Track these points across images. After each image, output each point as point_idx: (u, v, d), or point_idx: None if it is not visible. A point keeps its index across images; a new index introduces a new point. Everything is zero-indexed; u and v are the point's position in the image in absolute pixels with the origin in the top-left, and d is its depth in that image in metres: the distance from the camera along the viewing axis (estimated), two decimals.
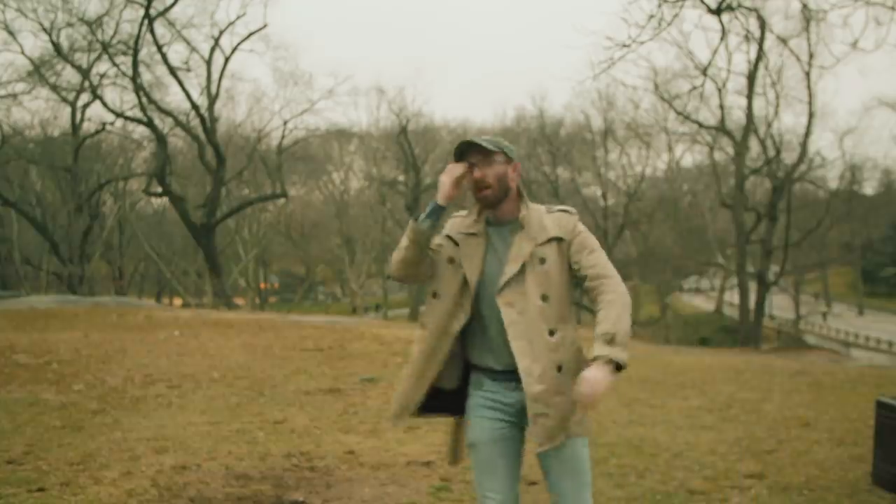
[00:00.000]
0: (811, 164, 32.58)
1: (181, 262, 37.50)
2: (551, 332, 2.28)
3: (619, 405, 7.09)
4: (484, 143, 2.29)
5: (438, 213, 2.32)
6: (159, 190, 26.82)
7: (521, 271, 2.27)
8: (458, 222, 2.41)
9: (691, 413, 6.73)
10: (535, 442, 2.31)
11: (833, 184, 36.20)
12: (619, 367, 2.14)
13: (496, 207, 2.35)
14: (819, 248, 38.84)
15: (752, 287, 30.32)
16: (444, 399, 2.45)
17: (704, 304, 55.79)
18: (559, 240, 2.32)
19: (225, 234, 34.69)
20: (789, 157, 31.25)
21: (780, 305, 45.05)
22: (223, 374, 7.98)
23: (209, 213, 25.85)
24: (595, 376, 2.11)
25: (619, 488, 4.30)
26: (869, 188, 43.88)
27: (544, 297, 2.29)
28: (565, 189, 38.18)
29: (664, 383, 8.64)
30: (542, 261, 2.29)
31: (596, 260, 2.34)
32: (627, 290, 2.33)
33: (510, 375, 2.30)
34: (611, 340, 2.16)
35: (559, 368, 2.26)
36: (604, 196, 38.59)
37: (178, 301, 37.94)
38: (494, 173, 2.31)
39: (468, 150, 2.33)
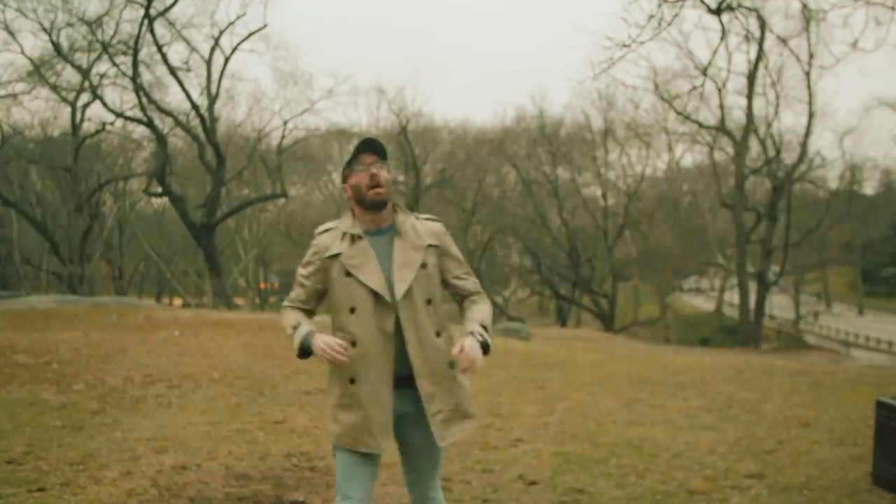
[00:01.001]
0: (811, 164, 32.60)
1: (181, 262, 37.49)
2: (438, 334, 2.41)
3: (619, 405, 7.09)
4: (383, 143, 2.48)
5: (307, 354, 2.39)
6: (159, 190, 26.79)
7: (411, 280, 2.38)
8: (334, 235, 2.47)
9: (691, 413, 6.73)
10: (437, 437, 2.41)
11: (833, 184, 36.24)
12: (486, 349, 2.35)
13: (380, 211, 2.43)
14: (819, 248, 38.83)
15: (753, 287, 30.32)
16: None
17: (704, 304, 55.79)
18: (435, 246, 2.47)
19: (225, 234, 34.68)
20: (789, 157, 31.28)
21: (780, 305, 45.05)
22: (223, 374, 7.98)
23: (209, 213, 25.83)
24: (472, 345, 2.30)
25: (619, 488, 4.30)
26: (869, 188, 43.92)
27: (429, 301, 2.41)
28: (565, 189, 38.15)
29: (664, 383, 8.64)
30: (424, 266, 2.41)
31: (467, 274, 2.54)
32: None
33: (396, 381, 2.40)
34: (484, 327, 2.38)
35: (451, 365, 2.41)
36: (604, 196, 38.57)
37: (178, 301, 37.94)
38: (386, 178, 2.42)
39: (367, 150, 2.44)
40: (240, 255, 37.49)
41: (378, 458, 2.44)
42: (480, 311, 2.46)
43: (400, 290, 2.35)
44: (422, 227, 2.48)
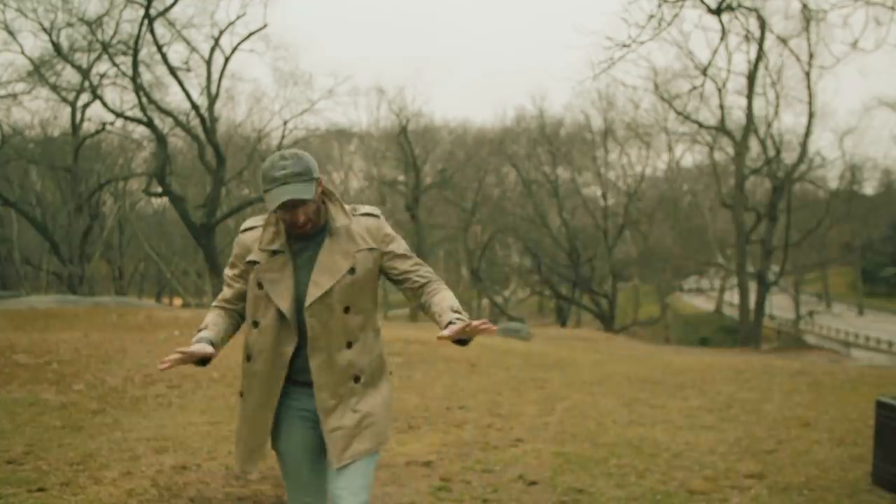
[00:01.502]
0: (811, 164, 32.62)
1: (181, 262, 37.50)
2: (349, 344, 2.25)
3: (619, 405, 7.09)
4: (306, 196, 2.15)
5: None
6: (159, 190, 26.80)
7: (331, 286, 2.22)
8: (256, 236, 2.29)
9: (691, 413, 6.73)
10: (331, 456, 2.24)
11: (833, 184, 36.26)
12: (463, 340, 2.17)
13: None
14: (819, 248, 38.85)
15: (753, 287, 30.33)
16: None
17: (704, 304, 55.80)
18: (371, 249, 2.29)
19: (225, 234, 34.69)
20: (789, 157, 31.30)
21: (779, 305, 45.05)
22: (223, 374, 7.98)
23: (209, 213, 25.83)
24: (457, 325, 2.10)
25: (619, 488, 4.30)
26: (869, 188, 43.93)
27: (347, 309, 2.25)
28: (565, 189, 38.16)
29: (664, 383, 8.64)
30: (353, 271, 2.24)
31: (416, 265, 2.35)
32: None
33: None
34: (456, 310, 2.19)
35: (356, 379, 2.26)
36: (604, 196, 38.58)
37: (178, 301, 37.94)
38: (313, 209, 2.22)
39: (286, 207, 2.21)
40: None
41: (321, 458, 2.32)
42: (444, 297, 2.25)
43: (312, 295, 2.20)
44: (357, 227, 2.29)
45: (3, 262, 30.58)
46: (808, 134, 28.88)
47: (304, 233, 2.22)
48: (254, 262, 2.26)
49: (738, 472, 4.64)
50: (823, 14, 14.91)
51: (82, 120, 28.71)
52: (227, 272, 2.38)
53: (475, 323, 2.04)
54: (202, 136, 25.80)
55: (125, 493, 3.95)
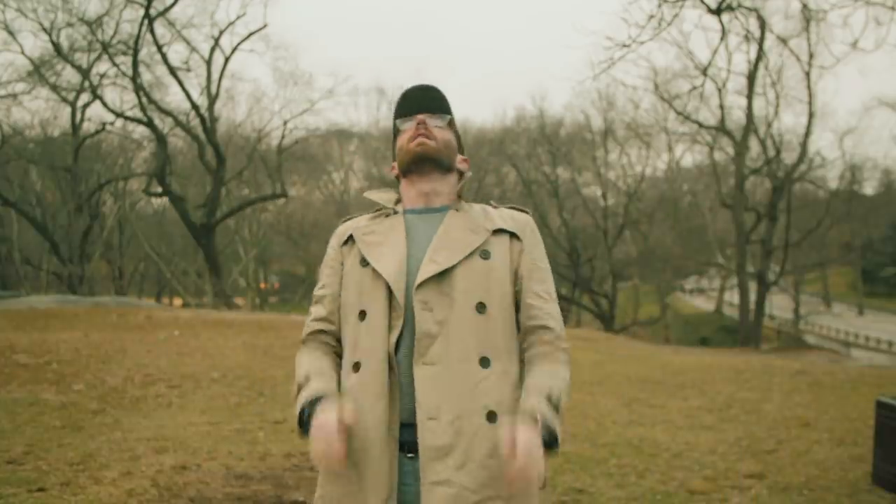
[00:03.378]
0: (811, 164, 32.59)
1: (181, 262, 37.48)
2: (484, 361, 1.50)
3: (619, 405, 7.09)
4: (432, 93, 1.71)
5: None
6: (159, 190, 26.80)
7: (452, 265, 1.54)
8: (358, 219, 1.73)
9: (691, 413, 6.73)
10: None
11: (833, 184, 36.24)
12: (550, 442, 1.40)
13: (428, 174, 1.65)
14: (819, 248, 38.83)
15: (753, 287, 30.33)
16: None
17: (704, 304, 55.80)
18: (512, 235, 1.63)
19: (225, 234, 34.69)
20: (789, 157, 31.28)
21: (779, 305, 45.05)
22: (223, 374, 7.98)
23: (209, 213, 25.84)
24: (528, 443, 1.34)
25: (619, 488, 4.30)
26: (869, 188, 43.91)
27: (481, 307, 1.52)
28: (565, 189, 38.16)
29: (664, 383, 8.64)
30: (486, 254, 1.57)
31: (546, 295, 1.62)
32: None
33: (406, 431, 1.49)
34: (553, 403, 1.47)
35: (489, 417, 1.47)
36: (604, 196, 38.57)
37: (178, 301, 37.94)
38: (445, 137, 1.68)
39: (413, 110, 1.70)
40: (240, 255, 37.50)
41: None
42: (550, 373, 1.51)
43: (424, 273, 1.52)
44: (496, 212, 1.69)
45: (3, 262, 30.57)
46: (808, 134, 28.88)
47: (421, 150, 1.64)
48: (352, 240, 1.66)
49: (738, 472, 4.64)
50: (823, 14, 14.90)
51: (82, 120, 28.73)
52: (320, 278, 1.70)
53: (508, 453, 1.34)
54: (202, 136, 25.82)
55: (125, 493, 3.94)
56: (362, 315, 1.56)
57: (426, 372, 1.47)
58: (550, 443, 1.41)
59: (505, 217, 1.67)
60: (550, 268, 1.70)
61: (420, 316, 1.50)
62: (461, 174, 1.75)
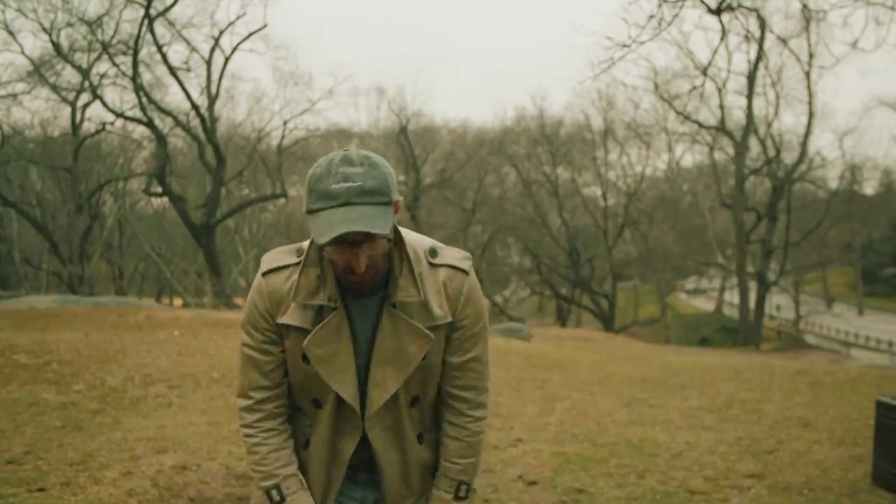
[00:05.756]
0: (811, 164, 32.61)
1: (181, 262, 37.47)
2: (420, 437, 1.69)
3: (619, 405, 7.09)
4: (376, 231, 1.38)
5: None
6: (159, 190, 26.83)
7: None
8: (289, 284, 1.54)
9: (691, 413, 6.73)
10: None
11: (833, 184, 36.27)
12: None
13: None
14: (819, 248, 38.84)
15: (753, 287, 30.33)
16: None
17: (704, 304, 55.79)
18: (448, 325, 1.59)
19: (225, 234, 34.70)
20: (789, 157, 31.32)
21: (779, 305, 45.06)
22: (223, 374, 7.98)
23: (209, 213, 25.85)
24: None
25: (619, 488, 4.30)
26: (869, 188, 43.95)
27: (414, 401, 1.63)
28: (565, 189, 38.17)
29: (664, 383, 8.64)
30: (424, 357, 1.57)
31: (475, 358, 1.63)
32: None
33: (367, 465, 1.70)
34: (464, 495, 1.69)
35: (432, 474, 1.74)
36: (604, 196, 38.59)
37: (178, 301, 37.93)
38: (381, 248, 1.45)
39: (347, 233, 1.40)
40: (240, 255, 37.50)
41: None
42: (461, 449, 1.67)
43: (377, 401, 1.57)
44: (432, 288, 1.55)
45: (3, 262, 30.57)
46: (808, 134, 28.91)
47: (360, 285, 1.50)
48: (290, 327, 1.55)
49: (738, 472, 4.64)
50: (823, 14, 14.92)
51: (82, 120, 28.75)
52: (249, 342, 1.61)
53: None
54: (202, 136, 25.83)
55: (125, 493, 3.94)
56: (316, 403, 1.62)
57: (385, 458, 1.66)
58: None
59: (440, 291, 1.55)
60: (485, 319, 1.64)
61: (374, 435, 1.62)
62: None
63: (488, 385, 1.69)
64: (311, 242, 1.52)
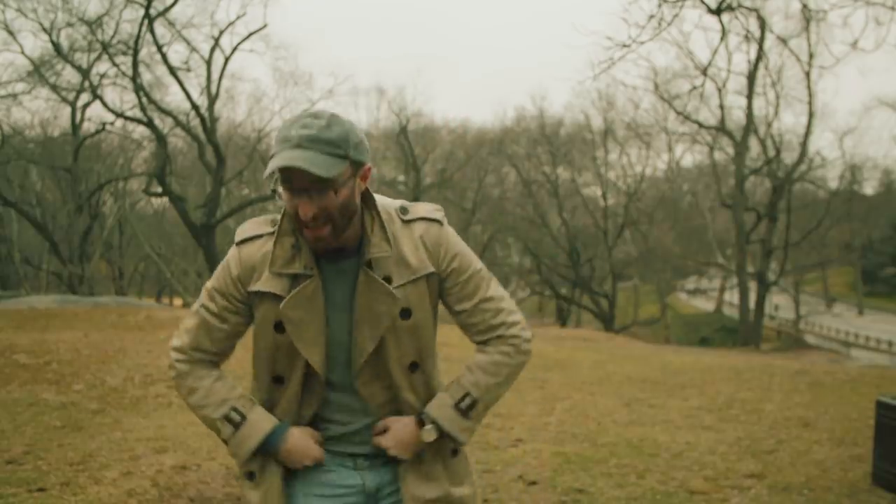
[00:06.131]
0: (811, 164, 32.60)
1: (181, 262, 37.49)
2: (423, 402, 1.66)
3: (619, 405, 7.09)
4: (317, 170, 1.38)
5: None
6: (159, 190, 26.81)
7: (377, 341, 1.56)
8: (263, 251, 1.56)
9: (691, 413, 6.73)
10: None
11: (833, 184, 36.27)
12: (451, 444, 1.64)
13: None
14: (819, 248, 38.85)
15: (753, 287, 30.32)
16: None
17: (704, 304, 55.79)
18: (428, 275, 1.57)
19: (225, 234, 34.69)
20: (789, 157, 31.30)
21: (780, 305, 45.07)
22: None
23: (209, 213, 25.84)
24: (395, 446, 1.60)
25: (619, 488, 4.30)
26: (869, 188, 43.95)
27: (413, 367, 1.61)
28: (565, 189, 38.17)
29: (664, 383, 8.64)
30: (407, 314, 1.55)
31: (483, 299, 1.62)
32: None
33: (365, 447, 1.68)
34: (465, 407, 1.60)
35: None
36: (604, 196, 38.59)
37: (178, 301, 37.93)
38: (338, 202, 1.45)
39: (288, 173, 1.43)
40: None
41: None
42: (474, 371, 1.62)
43: (356, 362, 1.56)
44: (409, 243, 1.56)
45: (3, 262, 30.57)
46: (808, 134, 28.89)
47: (318, 241, 1.48)
48: (265, 294, 1.55)
49: (738, 472, 4.64)
50: (823, 14, 14.93)
51: (82, 120, 28.74)
52: (209, 305, 1.60)
53: (377, 436, 1.62)
54: (202, 136, 25.82)
55: (125, 493, 3.94)
56: (278, 380, 1.61)
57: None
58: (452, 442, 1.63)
59: (417, 252, 1.56)
60: (476, 262, 1.63)
61: (366, 395, 1.60)
62: (364, 201, 1.55)
63: (513, 319, 1.64)
64: (285, 212, 1.52)
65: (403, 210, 1.60)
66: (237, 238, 1.62)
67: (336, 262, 1.55)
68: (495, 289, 1.65)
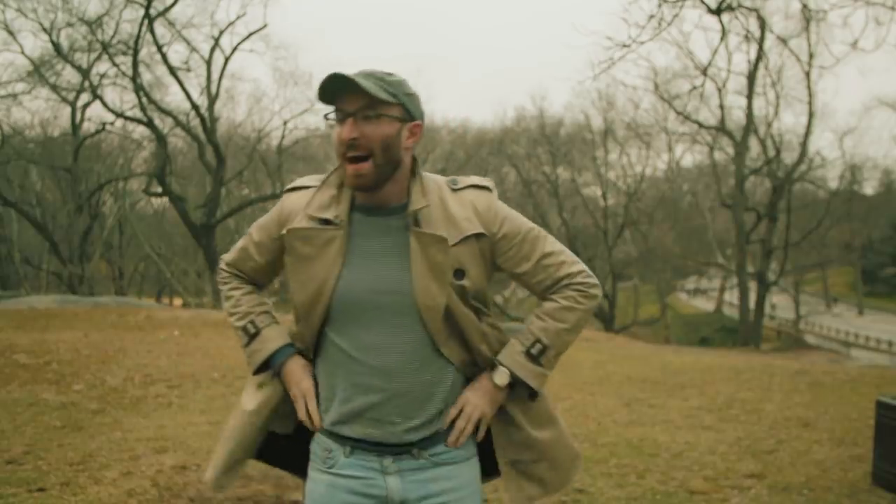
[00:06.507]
0: (811, 164, 32.59)
1: (181, 262, 37.49)
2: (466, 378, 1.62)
3: (619, 405, 7.09)
4: (365, 85, 1.44)
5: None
6: (159, 190, 26.82)
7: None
8: (306, 199, 1.60)
9: (691, 413, 6.72)
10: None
11: (833, 184, 36.27)
12: (527, 392, 1.60)
13: (375, 191, 1.54)
14: (819, 248, 38.86)
15: (753, 287, 30.32)
16: (280, 449, 1.77)
17: (704, 304, 55.79)
18: (478, 236, 1.55)
19: (225, 234, 34.68)
20: (789, 157, 31.29)
21: (779, 305, 45.06)
22: (223, 374, 7.98)
23: (209, 213, 25.85)
24: (475, 401, 1.57)
25: (619, 488, 4.30)
26: (869, 188, 43.97)
27: (479, 315, 1.60)
28: (565, 189, 38.17)
29: (664, 383, 8.64)
30: (461, 274, 1.52)
31: (544, 254, 1.60)
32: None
33: (379, 447, 1.56)
34: (536, 353, 1.57)
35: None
36: (604, 196, 38.59)
37: (178, 301, 37.94)
38: (379, 134, 1.48)
39: (342, 91, 1.48)
40: None
41: None
42: (543, 318, 1.59)
43: (433, 314, 1.51)
44: (458, 207, 1.56)
45: (3, 262, 30.58)
46: (808, 134, 28.88)
47: (358, 177, 1.49)
48: (296, 233, 1.58)
49: (738, 472, 4.64)
50: (823, 14, 14.94)
51: (82, 120, 28.76)
52: (252, 235, 1.69)
53: (457, 426, 1.57)
54: (202, 136, 25.83)
55: (125, 493, 3.94)
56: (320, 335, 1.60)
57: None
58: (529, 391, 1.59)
59: (466, 209, 1.56)
60: (528, 222, 1.62)
61: (445, 349, 1.54)
62: (413, 158, 1.60)
63: (577, 268, 1.61)
64: (335, 170, 1.60)
65: (454, 181, 1.62)
66: (288, 187, 1.67)
67: (379, 216, 1.55)
68: (553, 243, 1.63)
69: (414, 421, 1.54)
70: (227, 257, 1.75)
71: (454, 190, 1.59)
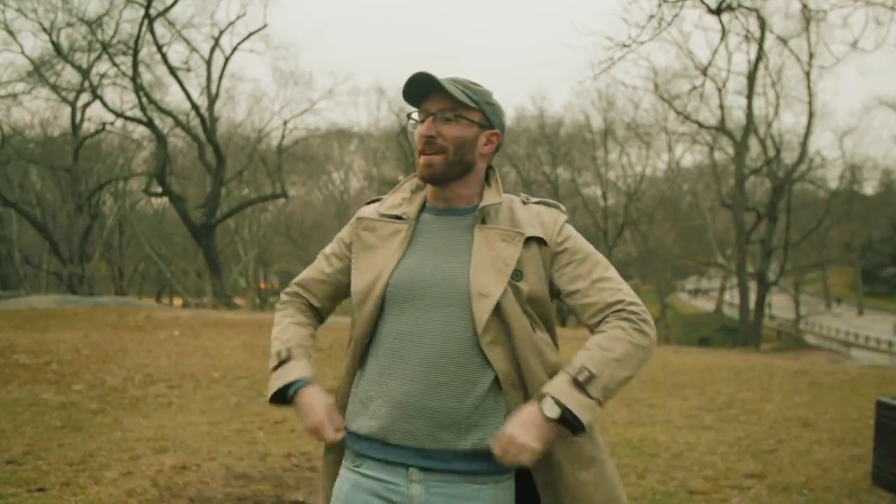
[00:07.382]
0: (811, 164, 32.58)
1: (181, 262, 37.48)
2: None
3: (619, 405, 7.09)
4: (448, 88, 1.51)
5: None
6: (159, 190, 26.83)
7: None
8: (379, 205, 1.69)
9: (691, 413, 6.73)
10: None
11: (833, 184, 36.25)
12: (572, 426, 1.42)
13: (444, 186, 1.58)
14: (819, 248, 38.86)
15: (753, 287, 30.32)
16: None
17: (704, 304, 55.79)
18: (539, 242, 1.56)
19: (225, 234, 34.70)
20: (789, 157, 31.28)
21: (780, 305, 45.05)
22: (223, 374, 7.98)
23: (209, 213, 25.86)
24: (517, 430, 1.41)
25: None
26: (869, 188, 43.94)
27: (534, 326, 1.53)
28: (565, 189, 38.18)
29: (664, 383, 8.64)
30: (519, 275, 1.51)
31: (600, 278, 1.58)
32: (630, 285, 1.57)
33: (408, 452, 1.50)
34: (583, 381, 1.43)
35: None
36: (604, 196, 38.60)
37: (178, 301, 37.95)
38: (455, 134, 1.54)
39: (427, 92, 1.56)
40: (240, 255, 37.50)
41: None
42: (590, 347, 1.48)
43: (484, 308, 1.46)
44: (525, 215, 1.59)
45: (3, 262, 30.58)
46: (808, 134, 28.87)
47: (428, 167, 1.54)
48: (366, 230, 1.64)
49: (738, 472, 4.64)
50: (823, 14, 14.92)
51: (82, 120, 28.77)
52: (327, 248, 1.73)
53: (501, 447, 1.42)
54: (202, 136, 25.85)
55: (125, 493, 3.94)
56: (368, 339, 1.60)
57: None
58: (575, 424, 1.41)
59: (532, 218, 1.58)
60: (593, 249, 1.61)
61: (489, 351, 1.47)
62: (490, 165, 1.64)
63: (632, 300, 1.55)
64: (409, 177, 1.69)
65: (526, 197, 1.66)
66: (368, 201, 1.74)
67: (446, 214, 1.60)
68: (613, 272, 1.61)
69: (446, 425, 1.47)
70: (297, 277, 1.77)
71: (524, 203, 1.63)
